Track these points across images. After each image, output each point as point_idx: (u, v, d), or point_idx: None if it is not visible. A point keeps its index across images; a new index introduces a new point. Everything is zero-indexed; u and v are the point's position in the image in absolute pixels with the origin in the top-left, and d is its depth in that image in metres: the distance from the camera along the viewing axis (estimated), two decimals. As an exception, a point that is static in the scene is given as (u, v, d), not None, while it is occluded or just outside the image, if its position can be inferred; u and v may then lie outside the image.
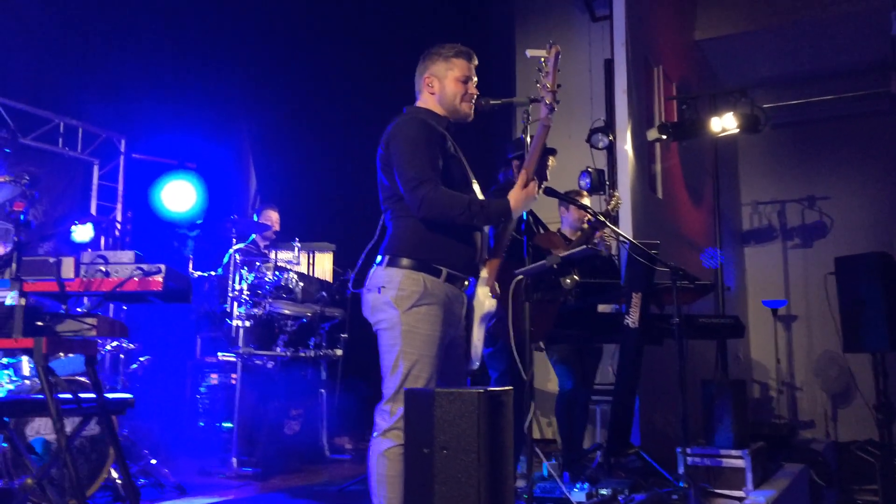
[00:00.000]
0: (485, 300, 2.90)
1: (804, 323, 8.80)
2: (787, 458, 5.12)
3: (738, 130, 6.60)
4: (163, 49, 6.38)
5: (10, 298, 2.29)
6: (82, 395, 2.86)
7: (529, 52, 2.90)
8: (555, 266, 2.99)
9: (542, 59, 2.84)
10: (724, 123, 6.52)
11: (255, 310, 5.12)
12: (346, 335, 5.93)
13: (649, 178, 6.53)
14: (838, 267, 5.75)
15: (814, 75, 8.23)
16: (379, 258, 2.80)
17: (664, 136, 6.27)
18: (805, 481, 5.03)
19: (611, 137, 5.95)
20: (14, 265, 2.35)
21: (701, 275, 5.10)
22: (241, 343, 5.12)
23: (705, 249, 3.64)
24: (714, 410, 4.37)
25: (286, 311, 5.30)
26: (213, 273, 5.58)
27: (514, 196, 2.80)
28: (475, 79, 2.93)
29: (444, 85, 2.88)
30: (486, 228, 2.97)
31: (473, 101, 2.92)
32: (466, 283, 2.85)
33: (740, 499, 3.99)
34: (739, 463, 4.18)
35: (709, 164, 7.57)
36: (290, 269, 5.40)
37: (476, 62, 2.94)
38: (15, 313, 2.32)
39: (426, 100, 2.92)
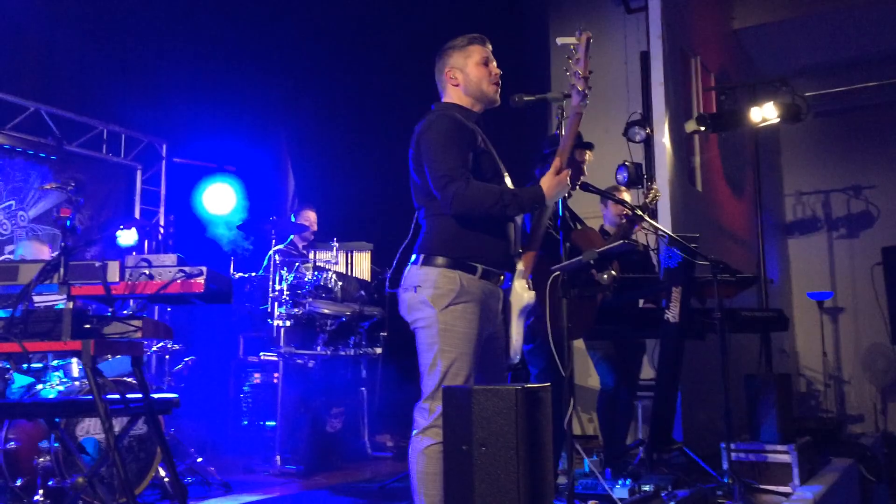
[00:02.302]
0: (523, 293, 2.89)
1: (851, 315, 8.61)
2: (835, 452, 5.02)
3: (779, 120, 6.47)
4: (202, 55, 6.49)
5: (62, 303, 2.36)
6: (129, 396, 2.93)
7: (560, 41, 2.89)
8: (592, 262, 2.97)
9: (573, 47, 2.83)
10: (765, 113, 6.40)
11: (296, 309, 5.18)
12: (385, 333, 5.97)
13: (688, 170, 6.44)
14: (886, 257, 5.62)
15: (856, 62, 8.04)
16: (413, 257, 2.80)
17: (703, 128, 6.18)
18: (854, 476, 4.93)
19: (648, 130, 5.88)
20: (62, 270, 2.42)
21: (743, 268, 5.02)
22: (282, 342, 5.19)
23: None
24: (759, 405, 4.31)
25: (326, 311, 5.35)
26: (253, 274, 5.66)
27: (547, 182, 2.79)
28: (494, 61, 2.93)
29: (466, 73, 2.88)
30: (520, 221, 2.96)
31: (498, 82, 2.91)
32: (502, 277, 2.85)
33: (787, 495, 3.93)
34: (786, 458, 4.11)
35: (749, 155, 7.44)
36: (329, 269, 5.46)
37: (490, 46, 2.94)
38: (63, 316, 2.39)
39: (451, 94, 2.92)
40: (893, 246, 5.60)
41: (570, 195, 3.53)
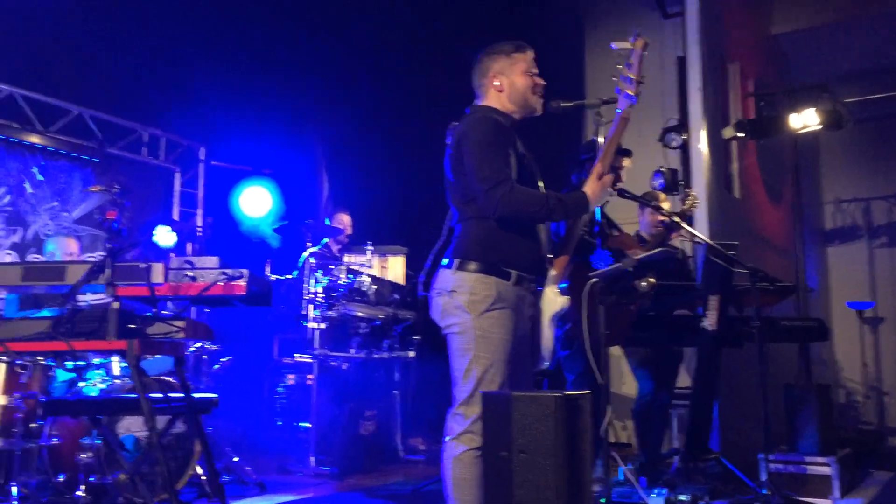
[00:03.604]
0: (555, 299, 2.87)
1: (892, 325, 8.44)
2: (876, 465, 4.93)
3: (819, 127, 6.37)
4: (240, 60, 6.58)
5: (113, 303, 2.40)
6: (171, 395, 2.97)
7: (616, 45, 2.87)
8: (630, 269, 2.95)
9: (622, 52, 2.82)
10: (805, 120, 6.30)
11: (330, 312, 5.22)
12: (418, 337, 5.98)
13: (725, 177, 6.37)
14: (929, 267, 5.49)
15: (898, 67, 7.89)
16: (446, 261, 2.77)
17: (741, 135, 6.11)
18: (895, 490, 4.83)
19: (685, 136, 5.83)
20: (108, 271, 2.46)
21: (782, 276, 4.95)
22: (316, 344, 5.24)
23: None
24: (798, 415, 4.25)
25: (359, 314, 5.39)
26: (288, 276, 5.72)
27: (591, 187, 2.77)
28: (537, 70, 2.92)
29: (513, 80, 2.87)
30: (548, 225, 2.94)
31: (541, 93, 2.91)
32: (534, 284, 2.83)
33: (827, 508, 3.87)
34: (825, 470, 4.05)
35: (788, 162, 7.34)
36: (363, 272, 5.49)
37: (533, 54, 2.93)
38: (109, 317, 2.43)
39: (492, 99, 2.89)
40: (937, 255, 5.48)
41: (607, 201, 3.51)
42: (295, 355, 5.63)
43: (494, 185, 2.64)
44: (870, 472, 4.74)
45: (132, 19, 6.12)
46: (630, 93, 2.78)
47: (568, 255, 2.97)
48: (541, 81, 2.90)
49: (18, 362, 3.75)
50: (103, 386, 3.96)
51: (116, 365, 4.12)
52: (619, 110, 2.81)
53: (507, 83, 2.88)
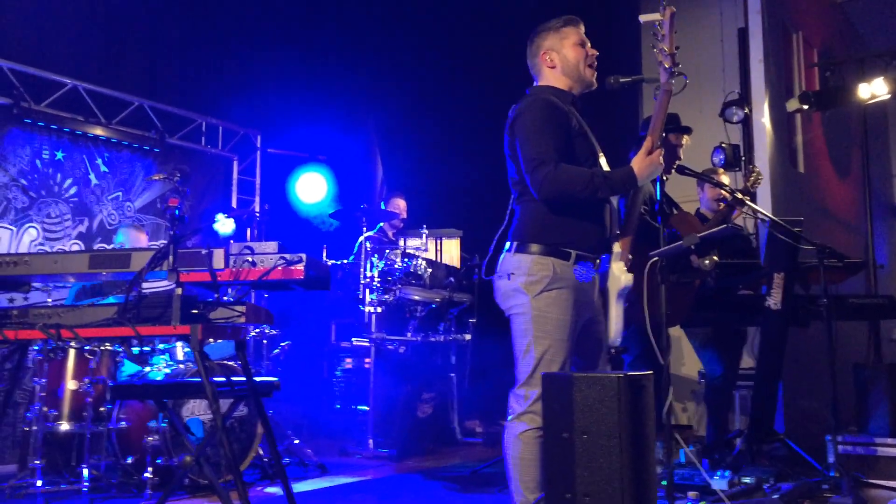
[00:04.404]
0: (620, 276, 2.83)
1: (967, 302, 8.07)
2: (952, 447, 4.73)
3: (889, 96, 6.10)
4: (294, 48, 6.64)
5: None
6: (233, 379, 3.03)
7: (643, 18, 2.82)
8: (692, 247, 2.88)
9: (658, 24, 2.75)
10: (874, 89, 6.04)
11: (386, 296, 5.25)
12: (474, 320, 5.98)
13: (789, 151, 6.17)
14: None
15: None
16: (508, 244, 2.79)
17: (806, 107, 5.89)
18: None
19: (746, 110, 5.65)
20: (171, 257, 2.51)
21: (849, 252, 4.78)
22: (373, 328, 5.28)
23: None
24: (868, 396, 4.13)
25: (415, 297, 5.40)
26: (345, 261, 5.76)
27: (638, 163, 2.72)
28: (589, 42, 2.87)
29: (563, 55, 2.84)
30: (616, 203, 2.90)
31: (595, 65, 2.86)
32: (598, 262, 2.79)
33: (899, 491, 3.74)
34: (897, 452, 3.92)
35: (856, 134, 7.06)
36: (419, 256, 5.50)
37: (583, 28, 2.89)
38: (173, 302, 2.48)
39: (548, 77, 2.87)
40: None
41: (666, 179, 3.43)
42: (352, 339, 5.69)
43: (538, 165, 2.63)
44: (945, 454, 4.56)
45: (189, 11, 6.23)
46: (666, 65, 2.71)
47: (630, 234, 2.92)
48: (593, 52, 2.86)
49: (87, 348, 3.87)
50: (168, 370, 4.06)
51: (180, 350, 4.22)
52: (661, 83, 2.74)
53: (558, 58, 2.84)
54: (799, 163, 6.32)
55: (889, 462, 3.97)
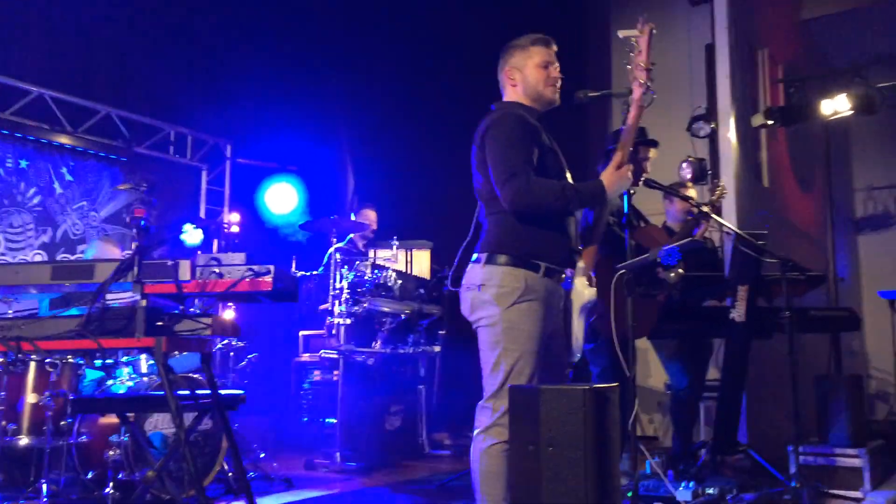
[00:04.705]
0: (583, 290, 2.86)
1: (926, 314, 8.26)
2: (909, 457, 4.83)
3: (851, 112, 6.24)
4: (265, 58, 6.61)
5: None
6: (198, 392, 2.99)
7: (622, 33, 2.85)
8: (659, 260, 2.92)
9: (634, 40, 2.79)
10: (836, 106, 6.17)
11: (355, 307, 5.22)
12: (443, 332, 5.98)
13: (754, 165, 6.27)
14: (964, 255, 5.37)
15: (933, 51, 7.70)
16: (475, 256, 2.79)
17: (771, 122, 6.00)
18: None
19: (713, 125, 5.74)
20: (136, 268, 2.48)
21: (812, 265, 4.87)
22: (342, 340, 5.25)
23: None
24: (828, 407, 4.19)
25: (385, 309, 5.39)
26: (314, 272, 5.73)
27: (608, 177, 2.75)
28: (556, 63, 2.89)
29: (525, 74, 2.86)
30: (579, 216, 2.93)
31: (557, 84, 2.88)
32: (563, 275, 2.82)
33: (857, 500, 3.82)
34: (856, 462, 3.99)
35: (819, 149, 7.21)
36: (389, 267, 5.49)
37: (555, 48, 2.90)
38: (137, 314, 2.45)
39: (511, 94, 2.91)
40: (972, 243, 5.36)
41: (633, 192, 3.47)
42: (321, 351, 5.65)
43: (509, 177, 2.65)
44: (903, 464, 4.65)
45: (157, 19, 6.18)
46: (641, 80, 2.75)
47: (596, 244, 2.95)
48: (555, 74, 2.87)
49: (48, 361, 3.80)
50: (131, 384, 4.00)
51: (144, 362, 4.16)
52: (634, 97, 2.78)
53: (520, 77, 2.88)
54: (763, 177, 6.43)
55: (849, 472, 4.03)
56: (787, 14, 7.44)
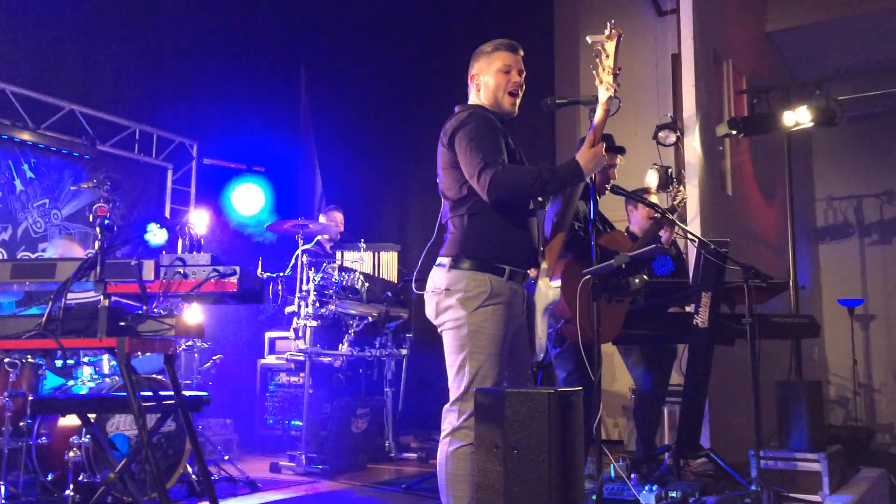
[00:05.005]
0: (547, 291, 2.88)
1: (883, 322, 8.47)
2: (866, 462, 4.95)
3: (812, 124, 6.37)
4: (232, 57, 6.56)
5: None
6: (161, 393, 2.96)
7: (590, 38, 2.87)
8: (623, 266, 2.95)
9: (599, 45, 2.82)
10: (798, 117, 6.30)
11: (322, 310, 5.21)
12: (410, 335, 5.98)
13: (719, 174, 6.38)
14: (920, 264, 5.51)
15: (891, 64, 7.91)
16: (440, 259, 2.80)
17: (734, 132, 6.11)
18: (884, 486, 4.85)
19: (678, 134, 5.83)
20: (98, 268, 2.44)
21: (774, 273, 4.96)
22: (308, 342, 5.22)
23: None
24: (789, 412, 4.26)
25: (352, 311, 5.38)
26: (281, 274, 5.70)
27: (583, 155, 2.76)
28: (521, 69, 2.90)
29: (486, 80, 2.88)
30: (541, 218, 2.95)
31: (518, 91, 2.89)
32: (526, 277, 2.84)
33: (816, 503, 3.88)
34: (815, 466, 4.06)
35: (781, 160, 7.35)
36: (356, 270, 5.48)
37: (521, 53, 2.92)
38: (99, 314, 2.41)
39: (474, 97, 2.94)
40: (928, 253, 5.50)
41: (600, 198, 3.51)
42: (287, 353, 5.61)
43: (485, 167, 2.65)
44: (859, 468, 4.75)
45: (124, 16, 6.09)
46: (608, 83, 2.78)
47: (564, 231, 2.98)
48: (516, 80, 2.88)
49: (7, 360, 3.72)
50: (92, 384, 3.94)
51: (107, 363, 4.10)
52: (600, 101, 2.81)
53: (482, 82, 2.90)
54: (727, 186, 6.54)
55: (808, 476, 4.09)
56: (752, 26, 7.58)
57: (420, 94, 6.99)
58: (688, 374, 4.45)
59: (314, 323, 5.20)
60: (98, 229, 2.53)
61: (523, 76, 2.91)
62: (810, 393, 4.28)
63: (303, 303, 5.24)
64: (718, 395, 5.25)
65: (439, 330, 2.78)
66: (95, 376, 4.02)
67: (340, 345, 5.40)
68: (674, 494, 3.84)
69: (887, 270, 8.41)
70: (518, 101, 2.91)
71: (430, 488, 4.14)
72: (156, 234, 5.08)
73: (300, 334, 5.32)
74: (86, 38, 5.89)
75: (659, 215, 4.30)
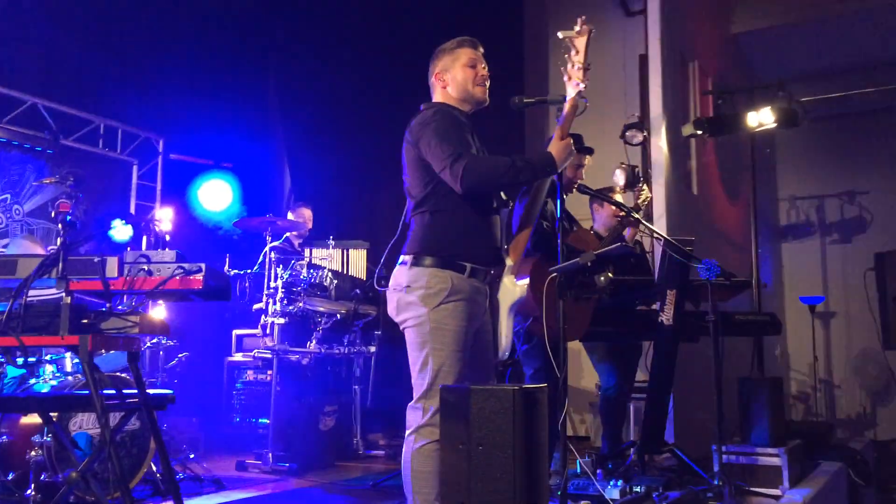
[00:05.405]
0: (513, 288, 2.90)
1: (843, 320, 8.65)
2: (825, 456, 5.05)
3: (775, 125, 6.49)
4: (200, 51, 6.48)
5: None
6: (125, 391, 2.93)
7: (561, 34, 2.90)
8: (589, 264, 2.98)
9: (569, 41, 2.85)
10: (762, 118, 6.41)
11: (290, 307, 5.19)
12: (379, 332, 5.97)
13: (684, 174, 6.46)
14: (878, 263, 5.65)
15: (853, 67, 8.07)
16: (402, 257, 2.82)
17: (700, 132, 6.20)
18: (843, 480, 4.96)
19: (645, 133, 5.90)
20: (60, 264, 2.41)
21: (737, 271, 5.04)
22: (276, 340, 5.20)
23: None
24: (750, 408, 4.33)
25: (320, 309, 5.36)
26: (248, 271, 5.66)
27: (555, 146, 2.80)
28: (484, 64, 2.95)
29: (454, 74, 2.91)
30: (504, 216, 2.97)
31: (485, 83, 2.93)
32: (489, 274, 2.86)
33: (776, 497, 3.95)
34: (776, 461, 4.14)
35: (745, 159, 7.47)
36: (325, 267, 5.46)
37: (482, 50, 2.96)
38: (61, 311, 2.38)
39: (440, 96, 2.96)
40: (886, 251, 5.63)
41: (567, 197, 3.55)
42: (254, 351, 5.58)
43: (455, 158, 2.66)
44: (819, 462, 4.84)
45: (88, 8, 5.99)
46: (578, 79, 2.81)
47: (529, 227, 3.00)
48: (483, 73, 2.93)
49: (-33, 358, 3.66)
50: (55, 382, 3.88)
51: (69, 360, 4.04)
52: (567, 97, 2.84)
53: (450, 78, 2.93)
54: (693, 185, 6.63)
55: (769, 470, 4.17)
56: (718, 28, 7.69)
57: (389, 91, 6.97)
58: (653, 371, 4.51)
59: (282, 320, 5.17)
60: (60, 225, 2.50)
61: (487, 70, 2.95)
62: (771, 389, 4.36)
63: (271, 300, 5.21)
64: (683, 392, 5.33)
65: (401, 327, 2.80)
66: (58, 374, 3.96)
67: (309, 342, 5.38)
68: (638, 489, 3.88)
69: (847, 269, 8.58)
70: (487, 91, 2.94)
71: (398, 485, 4.14)
72: (120, 231, 5.02)
73: (268, 331, 5.30)
74: (49, 30, 5.78)
75: (623, 214, 4.35)
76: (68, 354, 4.03)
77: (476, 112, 2.99)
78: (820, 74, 8.23)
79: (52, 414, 3.10)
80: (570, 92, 2.83)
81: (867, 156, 8.64)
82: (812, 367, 8.35)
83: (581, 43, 2.83)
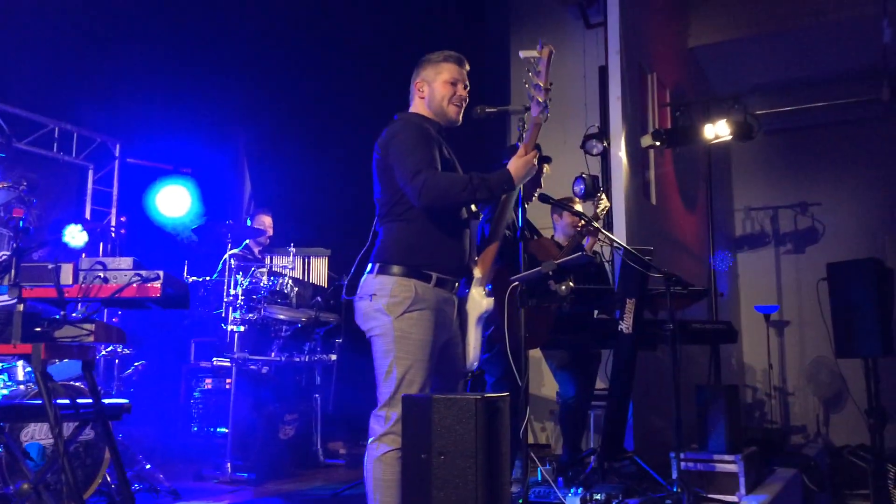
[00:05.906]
0: (481, 300, 2.92)
1: (796, 328, 8.84)
2: (780, 462, 5.14)
3: (730, 137, 6.63)
4: (158, 54, 6.38)
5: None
6: (79, 401, 2.87)
7: (523, 54, 2.93)
8: (550, 273, 3.01)
9: (533, 60, 2.88)
10: (718, 130, 6.55)
11: (250, 315, 5.13)
12: (340, 340, 5.94)
13: (643, 184, 6.56)
14: (830, 273, 5.78)
15: (806, 82, 8.28)
16: (370, 266, 2.83)
17: (658, 143, 6.30)
18: (797, 486, 5.05)
19: (605, 144, 5.97)
20: (13, 271, 2.36)
21: (695, 280, 5.13)
22: (235, 348, 5.14)
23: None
24: (708, 415, 4.40)
25: (281, 316, 5.31)
26: (208, 278, 5.59)
27: (514, 164, 2.82)
28: (466, 83, 2.98)
29: (433, 88, 2.94)
30: (474, 228, 2.99)
31: (462, 104, 2.97)
32: (457, 285, 2.88)
33: (733, 503, 4.02)
34: (732, 468, 4.20)
35: (702, 170, 7.62)
36: (285, 274, 5.42)
37: (467, 68, 2.99)
38: (14, 319, 2.33)
39: (417, 105, 2.98)
40: (838, 262, 5.77)
41: (528, 206, 3.58)
42: (213, 359, 5.51)
43: (416, 173, 2.69)
44: (774, 469, 4.93)
45: (42, 8, 5.87)
46: (539, 99, 2.84)
47: (497, 240, 3.02)
48: (462, 93, 2.96)
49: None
50: (6, 391, 3.78)
51: (21, 369, 3.94)
52: (533, 115, 2.87)
53: (428, 90, 2.95)
54: (652, 195, 6.73)
55: (726, 477, 4.23)
56: (675, 41, 7.83)
57: (353, 99, 6.96)
58: (612, 379, 4.56)
59: (242, 328, 5.12)
60: (13, 231, 2.44)
61: (467, 90, 2.97)
62: (728, 396, 4.43)
63: (230, 307, 5.15)
64: (642, 399, 5.39)
65: (367, 335, 2.80)
66: (9, 383, 3.86)
67: (269, 350, 5.33)
68: (598, 496, 3.92)
69: (800, 278, 8.77)
70: (462, 112, 2.96)
71: (359, 494, 4.10)
72: (75, 237, 4.92)
73: (227, 339, 5.23)
74: (1, 31, 5.64)
75: (583, 223, 4.40)
76: (20, 363, 3.93)
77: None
78: (774, 88, 8.42)
79: (2, 424, 3.01)
80: (534, 111, 2.86)
81: (820, 168, 8.86)
82: (767, 375, 8.51)
83: (542, 64, 2.86)
